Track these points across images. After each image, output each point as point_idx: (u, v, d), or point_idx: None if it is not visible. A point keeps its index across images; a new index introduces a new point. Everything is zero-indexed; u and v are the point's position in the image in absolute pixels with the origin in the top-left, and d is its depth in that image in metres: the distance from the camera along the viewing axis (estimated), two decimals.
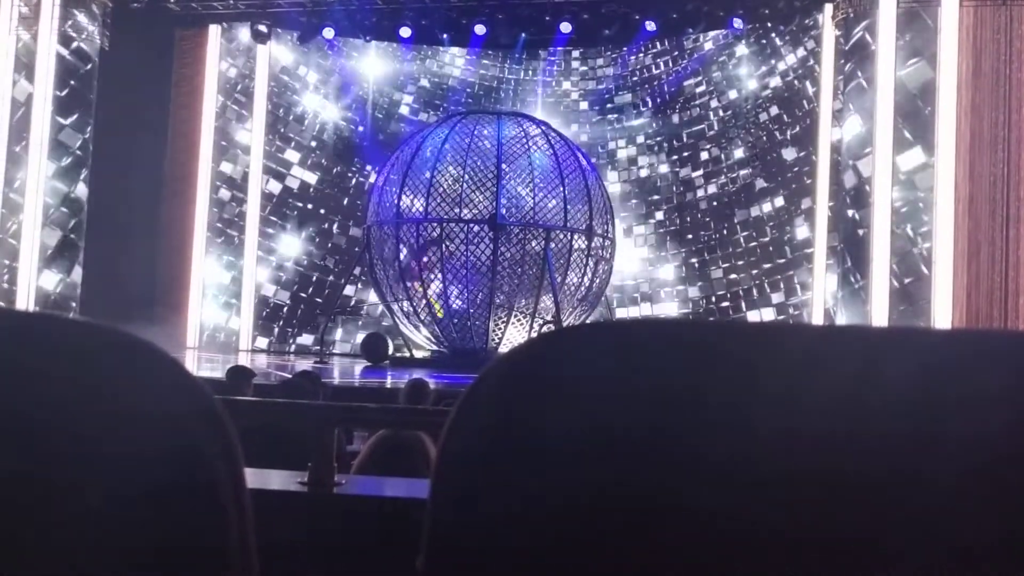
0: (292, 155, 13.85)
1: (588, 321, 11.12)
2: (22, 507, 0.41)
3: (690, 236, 13.56)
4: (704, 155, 13.60)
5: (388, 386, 8.36)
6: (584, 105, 14.52)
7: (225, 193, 13.17)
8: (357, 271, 12.67)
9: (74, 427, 0.42)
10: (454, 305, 10.98)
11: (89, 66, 10.73)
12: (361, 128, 14.20)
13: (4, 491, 0.41)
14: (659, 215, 13.87)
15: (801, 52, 12.39)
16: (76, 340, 0.45)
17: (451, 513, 0.43)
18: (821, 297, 11.55)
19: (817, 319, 11.49)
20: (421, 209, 10.87)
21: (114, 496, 0.42)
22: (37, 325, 0.47)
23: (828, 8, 11.00)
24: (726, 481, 0.40)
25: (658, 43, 13.86)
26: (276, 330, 13.59)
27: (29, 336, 0.45)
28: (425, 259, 10.85)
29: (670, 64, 14.01)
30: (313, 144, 13.99)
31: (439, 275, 10.81)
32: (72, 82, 10.57)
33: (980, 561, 0.39)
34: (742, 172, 13.16)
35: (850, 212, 9.41)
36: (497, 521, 0.42)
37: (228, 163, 13.20)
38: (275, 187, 13.67)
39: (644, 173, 14.05)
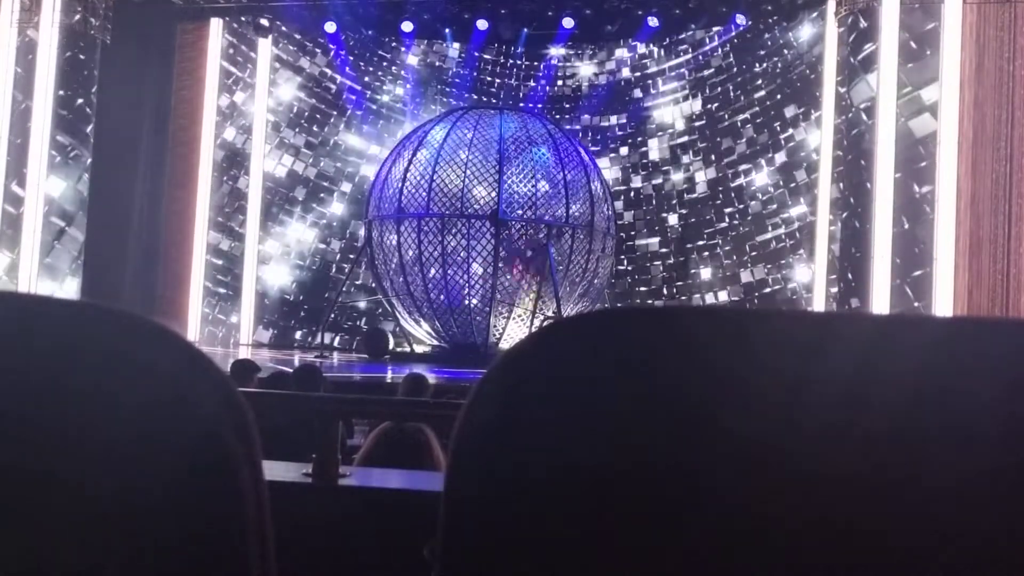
0: (294, 150, 13.84)
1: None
2: (44, 491, 0.41)
3: (691, 229, 13.56)
4: (704, 150, 13.58)
5: (389, 380, 8.37)
6: (586, 101, 14.50)
7: (227, 187, 13.17)
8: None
9: (93, 411, 0.43)
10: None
11: (91, 60, 10.72)
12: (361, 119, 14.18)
13: (27, 475, 0.41)
14: (658, 208, 13.87)
15: (803, 48, 12.37)
16: (92, 324, 0.45)
17: (467, 499, 0.44)
18: (822, 293, 11.55)
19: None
20: (423, 204, 10.87)
21: (134, 480, 0.42)
22: (52, 310, 0.47)
23: (831, 4, 10.98)
24: (730, 462, 0.40)
25: (659, 37, 13.83)
26: (277, 325, 13.59)
27: (45, 321, 0.45)
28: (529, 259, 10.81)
29: (671, 60, 13.99)
30: (313, 139, 13.99)
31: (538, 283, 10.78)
32: (73, 76, 10.55)
33: (991, 551, 0.39)
34: (743, 167, 13.15)
35: (852, 207, 9.40)
36: (513, 505, 0.42)
37: (230, 157, 13.19)
38: (277, 182, 13.67)
39: (645, 168, 14.04)
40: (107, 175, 10.95)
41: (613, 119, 14.33)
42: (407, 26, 13.39)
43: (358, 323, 13.71)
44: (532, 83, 14.60)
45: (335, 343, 13.39)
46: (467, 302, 10.96)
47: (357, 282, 13.46)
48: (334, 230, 14.00)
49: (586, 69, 14.62)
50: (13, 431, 0.42)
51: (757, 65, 13.05)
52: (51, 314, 0.46)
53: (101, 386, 0.43)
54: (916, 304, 8.79)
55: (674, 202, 13.77)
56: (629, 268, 13.82)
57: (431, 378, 8.27)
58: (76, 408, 0.43)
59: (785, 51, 12.64)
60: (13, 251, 10.29)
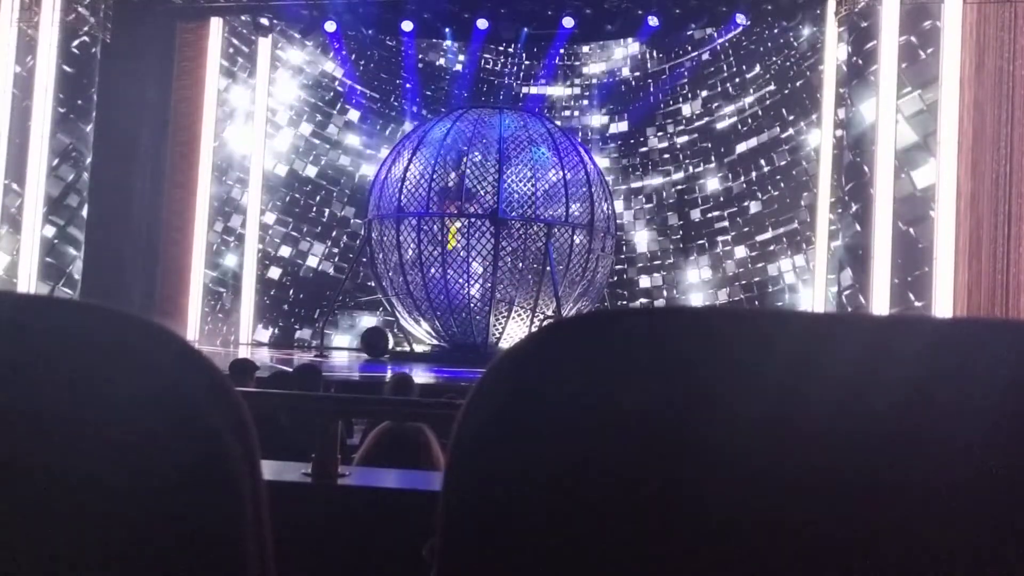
0: (294, 149, 13.84)
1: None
2: (42, 491, 0.41)
3: (691, 229, 13.56)
4: (703, 150, 13.58)
5: (387, 380, 8.36)
6: (586, 101, 14.51)
7: (227, 185, 13.16)
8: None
9: (91, 411, 0.43)
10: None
11: (91, 59, 10.72)
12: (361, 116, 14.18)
13: (24, 474, 0.41)
14: (658, 207, 13.87)
15: (803, 47, 12.36)
16: (91, 324, 0.45)
17: (466, 499, 0.44)
18: (822, 293, 11.56)
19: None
20: (422, 203, 10.87)
21: (132, 480, 0.42)
22: (49, 309, 0.47)
23: (831, 4, 10.98)
24: (728, 463, 0.40)
25: (660, 37, 13.83)
26: (277, 324, 13.59)
27: (41, 320, 0.45)
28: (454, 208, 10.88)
29: (671, 59, 13.99)
30: (313, 138, 13.99)
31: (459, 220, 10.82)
32: (73, 75, 10.55)
33: (991, 552, 0.39)
34: (743, 167, 13.15)
35: (852, 207, 9.41)
36: (512, 505, 0.42)
37: (229, 156, 13.18)
38: (277, 180, 13.67)
39: (645, 168, 14.05)
40: (107, 175, 10.95)
41: (613, 118, 14.33)
42: (407, 25, 13.39)
43: (358, 322, 13.71)
44: (532, 82, 14.60)
45: (334, 342, 13.39)
46: (468, 303, 10.96)
47: (357, 281, 13.46)
48: (334, 229, 14.00)
49: (586, 68, 14.62)
50: (11, 430, 0.42)
51: (757, 65, 13.05)
52: (50, 314, 0.46)
53: (99, 386, 0.43)
54: (916, 304, 8.79)
55: (674, 202, 13.77)
56: (628, 268, 13.81)
57: (430, 377, 8.28)
58: (74, 408, 0.43)
59: (785, 51, 12.64)
60: (13, 251, 10.29)
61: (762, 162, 12.91)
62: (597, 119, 14.41)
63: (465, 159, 10.91)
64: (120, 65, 11.01)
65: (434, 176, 10.85)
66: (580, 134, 13.73)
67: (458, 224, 10.80)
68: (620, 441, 0.41)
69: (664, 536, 0.40)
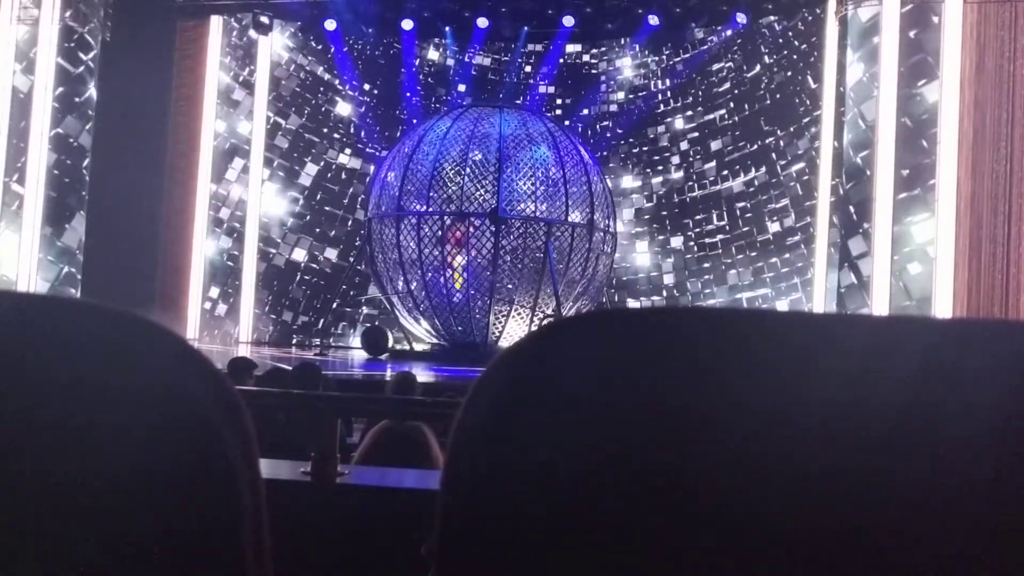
0: (294, 147, 13.83)
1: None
2: (41, 488, 0.41)
3: (690, 230, 13.56)
4: (704, 149, 13.58)
5: (388, 379, 8.36)
6: (585, 99, 14.50)
7: (226, 184, 13.16)
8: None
9: (90, 409, 0.43)
10: (456, 298, 10.98)
11: (90, 57, 10.71)
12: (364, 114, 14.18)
13: (23, 472, 0.41)
14: (658, 207, 13.87)
15: (803, 47, 12.36)
16: (90, 323, 0.45)
17: (464, 497, 0.44)
18: (822, 292, 11.56)
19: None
20: (422, 202, 10.87)
21: (130, 478, 0.42)
22: (47, 307, 0.47)
23: (831, 3, 10.98)
24: (726, 462, 0.40)
25: (660, 36, 13.83)
26: (277, 323, 13.59)
27: (41, 320, 0.45)
28: (458, 234, 10.80)
29: (671, 58, 13.99)
30: (313, 136, 13.98)
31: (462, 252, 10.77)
32: (73, 73, 10.55)
33: (991, 552, 0.39)
34: (743, 165, 13.15)
35: (852, 207, 9.41)
36: (509, 504, 0.42)
37: (229, 154, 13.18)
38: (276, 179, 13.67)
39: (645, 167, 14.05)
40: (106, 172, 10.94)
41: (613, 117, 14.33)
42: (407, 24, 13.39)
43: (358, 321, 13.72)
44: (532, 81, 14.59)
45: (334, 341, 13.39)
46: (470, 303, 10.96)
47: (356, 280, 13.47)
48: (334, 228, 14.00)
49: (586, 67, 14.61)
50: (11, 429, 0.42)
51: (757, 64, 13.05)
52: (49, 313, 0.46)
53: (98, 384, 0.43)
54: (914, 303, 8.80)
55: (674, 200, 13.77)
56: (628, 267, 13.82)
57: (430, 376, 8.28)
58: (74, 407, 0.43)
59: (785, 50, 12.64)
60: (12, 248, 10.29)
61: (762, 161, 12.91)
62: (597, 118, 14.41)
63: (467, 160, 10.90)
64: (120, 63, 11.00)
65: (434, 175, 10.85)
66: (580, 133, 13.72)
67: (461, 261, 10.79)
68: (618, 439, 0.41)
69: (662, 534, 0.40)
